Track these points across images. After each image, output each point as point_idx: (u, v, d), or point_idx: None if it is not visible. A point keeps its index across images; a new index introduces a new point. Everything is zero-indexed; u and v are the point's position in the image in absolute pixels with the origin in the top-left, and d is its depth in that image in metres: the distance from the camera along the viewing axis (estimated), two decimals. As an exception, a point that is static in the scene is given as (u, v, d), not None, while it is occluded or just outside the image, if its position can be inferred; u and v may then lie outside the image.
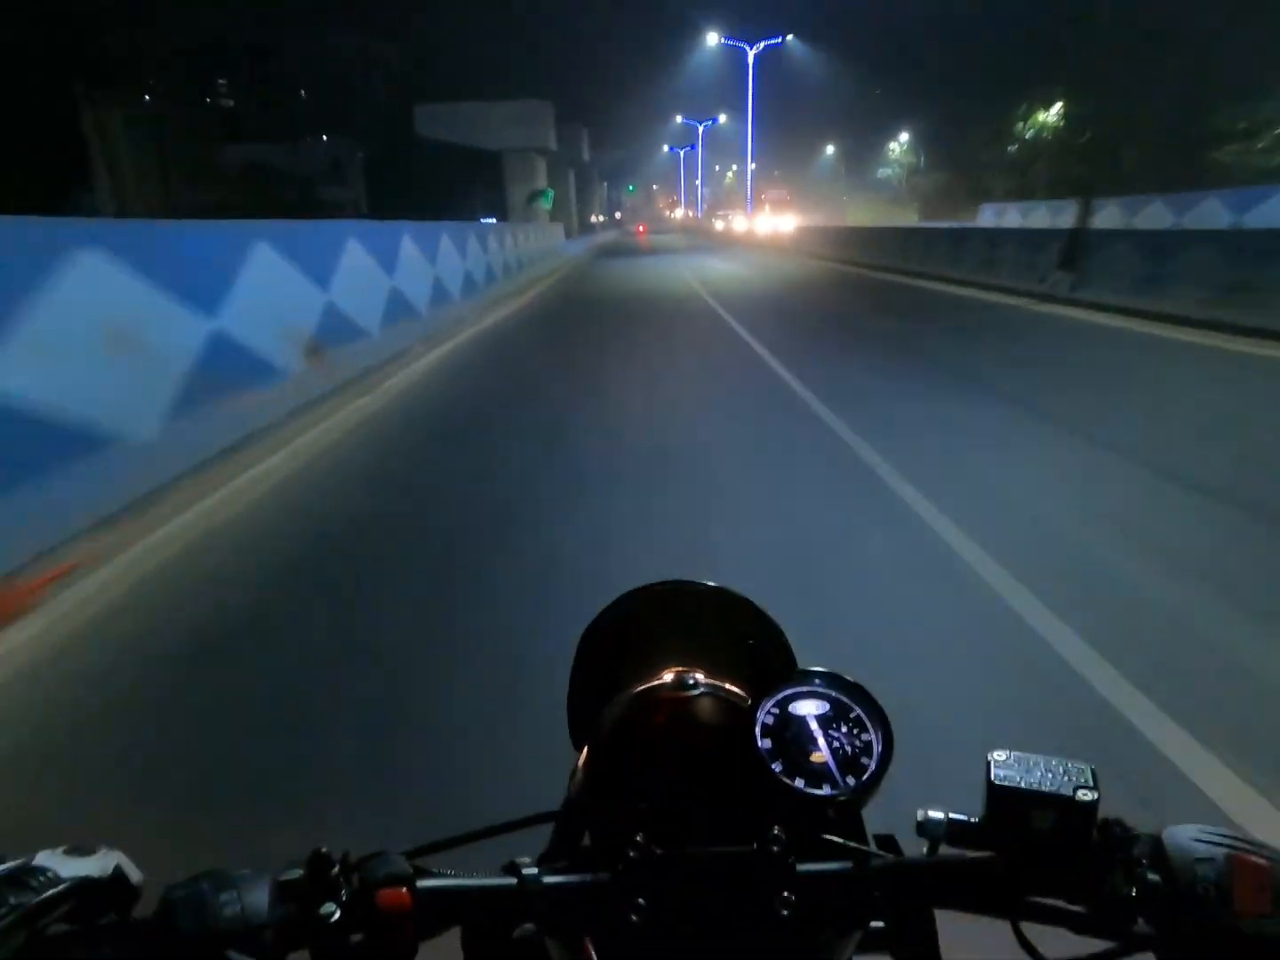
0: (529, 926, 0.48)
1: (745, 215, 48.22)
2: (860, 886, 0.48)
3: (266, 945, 0.42)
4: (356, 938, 0.43)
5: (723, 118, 71.17)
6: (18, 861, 0.43)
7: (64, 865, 0.43)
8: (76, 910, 0.43)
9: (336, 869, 0.45)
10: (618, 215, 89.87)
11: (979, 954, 0.68)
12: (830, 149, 69.65)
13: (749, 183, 54.77)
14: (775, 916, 0.47)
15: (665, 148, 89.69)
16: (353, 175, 41.16)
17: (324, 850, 0.45)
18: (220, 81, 41.91)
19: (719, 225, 46.57)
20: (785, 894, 0.47)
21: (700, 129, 71.36)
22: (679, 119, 75.68)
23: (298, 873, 0.45)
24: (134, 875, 0.45)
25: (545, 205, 37.48)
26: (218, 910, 0.42)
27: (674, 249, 37.26)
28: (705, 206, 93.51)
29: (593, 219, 67.65)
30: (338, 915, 0.43)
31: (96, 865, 0.44)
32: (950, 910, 0.49)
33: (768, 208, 46.98)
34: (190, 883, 0.43)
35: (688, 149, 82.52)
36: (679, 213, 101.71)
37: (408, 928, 0.44)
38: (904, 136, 58.07)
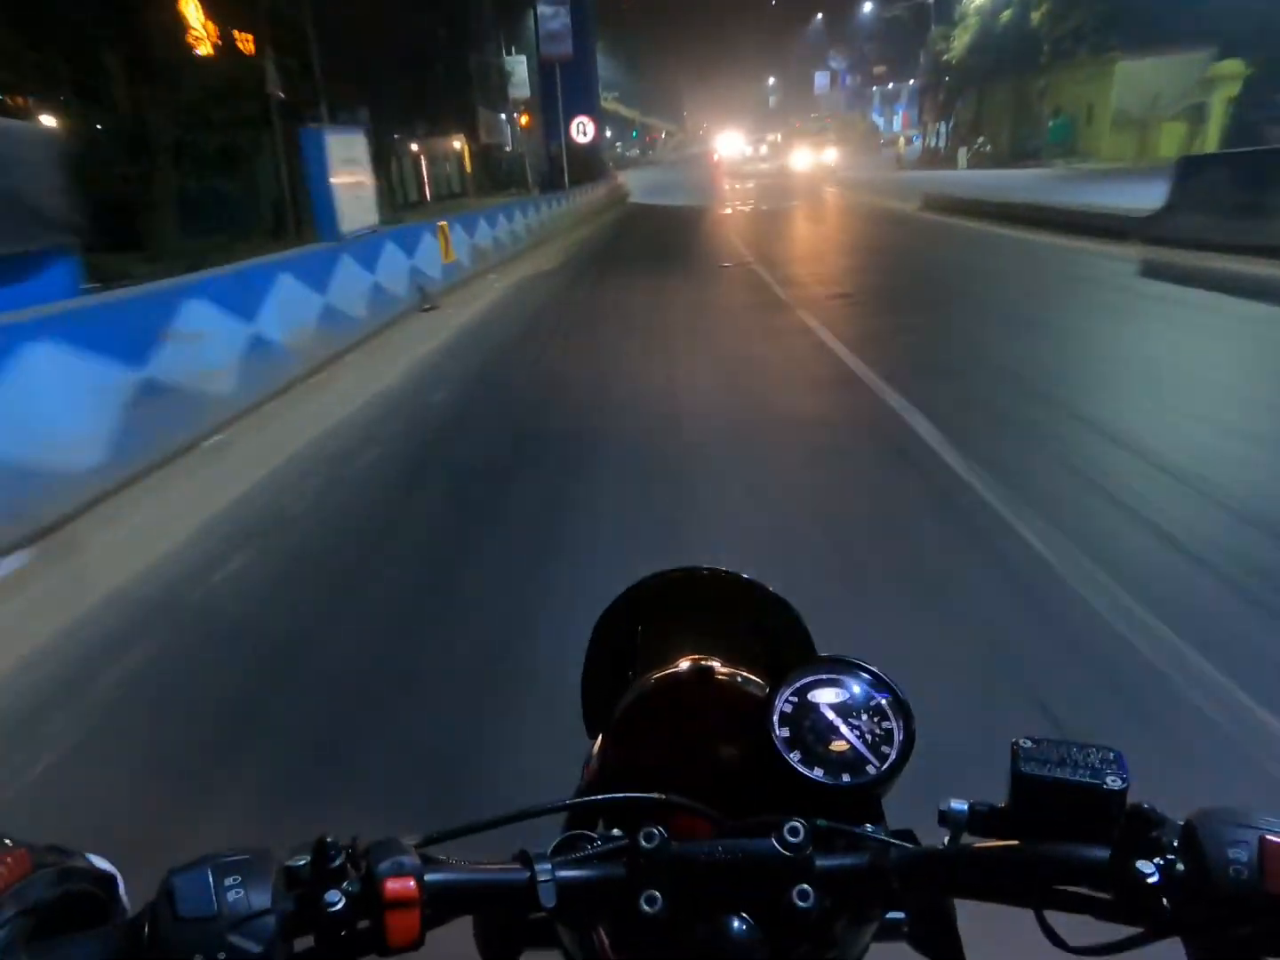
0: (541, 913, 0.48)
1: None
2: (880, 878, 0.47)
3: (270, 932, 0.41)
4: (363, 924, 0.43)
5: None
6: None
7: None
8: (72, 910, 0.43)
9: (342, 857, 0.44)
10: (584, 130, 26.53)
11: (1000, 943, 0.66)
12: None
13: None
14: (793, 910, 0.46)
15: None
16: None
17: (329, 838, 0.45)
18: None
19: None
20: (803, 887, 0.46)
21: None
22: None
23: (303, 859, 0.45)
24: (118, 877, 0.47)
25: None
26: (221, 895, 0.41)
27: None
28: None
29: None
30: (343, 904, 0.43)
31: (83, 868, 0.44)
32: (972, 900, 0.48)
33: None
34: (192, 867, 0.43)
35: None
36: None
37: (415, 917, 0.44)
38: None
